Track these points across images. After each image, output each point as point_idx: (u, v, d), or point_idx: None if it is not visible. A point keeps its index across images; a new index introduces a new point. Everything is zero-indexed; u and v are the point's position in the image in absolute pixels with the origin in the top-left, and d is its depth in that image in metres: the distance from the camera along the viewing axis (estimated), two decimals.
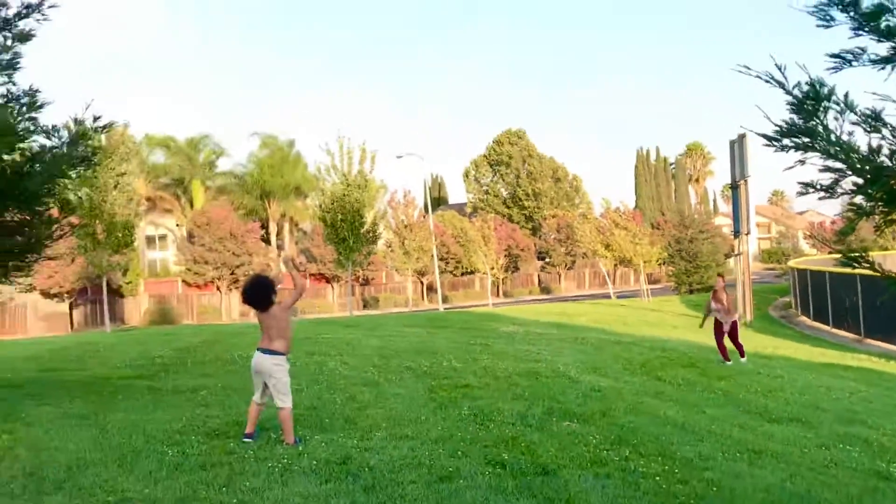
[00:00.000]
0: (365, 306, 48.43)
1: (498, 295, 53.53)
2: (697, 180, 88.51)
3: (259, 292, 6.02)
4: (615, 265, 44.78)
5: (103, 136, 9.10)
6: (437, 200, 74.43)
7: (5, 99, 7.65)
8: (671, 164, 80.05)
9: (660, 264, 42.87)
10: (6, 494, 5.21)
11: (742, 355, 13.27)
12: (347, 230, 32.55)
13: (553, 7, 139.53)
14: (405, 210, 47.52)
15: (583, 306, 32.32)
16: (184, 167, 52.71)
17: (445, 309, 39.79)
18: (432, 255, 43.81)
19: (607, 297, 43.34)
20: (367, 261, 36.53)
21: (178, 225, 52.09)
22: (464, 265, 51.84)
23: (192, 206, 52.05)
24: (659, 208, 70.69)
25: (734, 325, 13.31)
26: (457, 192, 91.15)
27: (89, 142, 8.16)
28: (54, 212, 8.47)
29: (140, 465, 5.78)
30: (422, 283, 51.20)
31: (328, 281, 49.43)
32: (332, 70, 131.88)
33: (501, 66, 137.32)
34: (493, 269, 45.78)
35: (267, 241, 52.51)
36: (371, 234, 33.35)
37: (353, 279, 41.06)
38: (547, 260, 60.34)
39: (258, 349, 5.99)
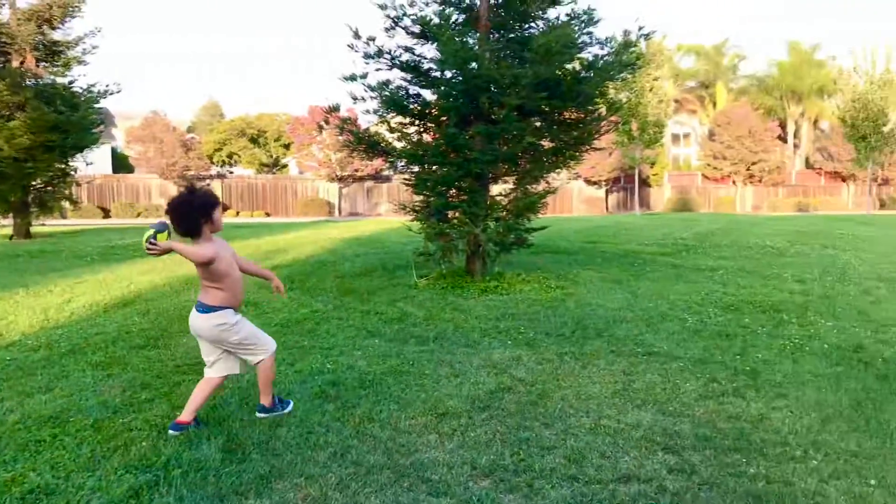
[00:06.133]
0: (881, 206, 48.15)
1: None
2: None
3: (179, 213, 3.97)
4: None
5: (643, 44, 9.48)
6: None
7: (568, 17, 9.29)
8: None
9: None
10: (560, 335, 6.49)
11: None
12: (868, 129, 34.99)
13: None
14: None
15: None
16: (709, 71, 60.11)
17: None
18: None
19: None
20: (888, 160, 38.78)
21: (701, 124, 58.94)
22: None
23: (714, 106, 57.35)
24: None
25: None
26: None
27: (634, 50, 9.39)
28: (602, 111, 9.74)
29: (664, 326, 6.93)
30: None
31: (843, 180, 50.36)
32: None
33: None
34: None
35: (784, 139, 55.29)
36: (894, 134, 35.04)
37: (871, 178, 42.09)
38: None
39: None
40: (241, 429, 4.20)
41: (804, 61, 57.74)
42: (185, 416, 4.16)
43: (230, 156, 49.94)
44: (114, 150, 48.24)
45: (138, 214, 38.93)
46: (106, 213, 38.86)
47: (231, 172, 46.83)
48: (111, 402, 4.71)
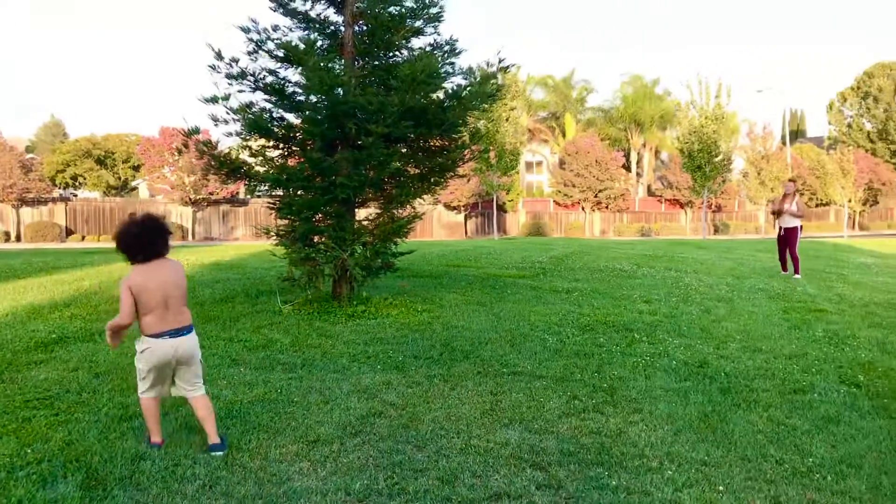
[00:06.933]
0: (715, 231, 51.85)
1: (853, 228, 54.33)
2: None
3: (151, 233, 4.23)
4: None
5: (500, 77, 8.73)
6: (796, 133, 73.90)
7: (432, 47, 9.48)
8: None
9: None
10: (428, 358, 6.61)
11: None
12: (703, 159, 37.30)
13: None
14: (763, 142, 49.46)
15: None
16: (558, 102, 62.99)
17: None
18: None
19: None
20: (720, 188, 41.20)
21: (552, 153, 62.34)
22: (819, 197, 54.24)
23: (564, 136, 60.21)
24: None
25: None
26: (816, 126, 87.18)
27: (495, 81, 9.57)
28: (465, 139, 9.96)
29: (527, 346, 7.13)
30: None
31: (682, 206, 53.91)
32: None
33: None
34: (850, 201, 46.29)
35: (628, 168, 58.79)
36: (726, 164, 38.59)
37: (706, 205, 43.73)
38: None
39: (168, 333, 4.21)
40: (100, 463, 4.01)
41: (645, 94, 62.12)
42: (215, 437, 4.27)
43: (75, 178, 47.29)
44: None
45: None
46: None
47: (75, 195, 44.39)
48: None
